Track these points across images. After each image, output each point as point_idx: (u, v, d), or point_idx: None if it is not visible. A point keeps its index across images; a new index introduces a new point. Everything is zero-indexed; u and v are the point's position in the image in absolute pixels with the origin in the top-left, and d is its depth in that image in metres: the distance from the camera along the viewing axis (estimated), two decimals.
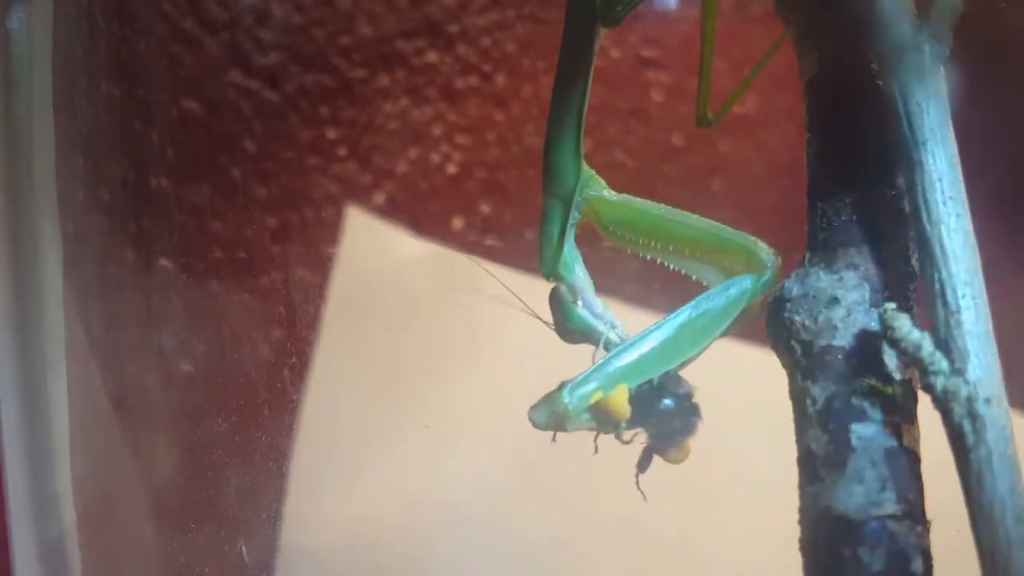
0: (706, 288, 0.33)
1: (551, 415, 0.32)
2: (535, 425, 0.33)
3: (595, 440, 0.33)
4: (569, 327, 0.35)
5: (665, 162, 0.58)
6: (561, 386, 0.32)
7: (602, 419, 0.32)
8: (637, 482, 0.33)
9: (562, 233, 0.35)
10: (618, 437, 0.33)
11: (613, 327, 0.35)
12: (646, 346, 0.32)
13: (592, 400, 0.31)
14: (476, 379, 0.53)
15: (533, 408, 0.32)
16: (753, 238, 0.32)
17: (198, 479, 0.52)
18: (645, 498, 0.33)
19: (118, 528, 0.51)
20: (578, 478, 0.50)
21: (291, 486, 0.53)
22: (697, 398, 0.33)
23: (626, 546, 0.53)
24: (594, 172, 0.35)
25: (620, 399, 0.31)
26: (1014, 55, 0.43)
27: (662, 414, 0.32)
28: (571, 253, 0.35)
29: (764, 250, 0.32)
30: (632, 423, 0.32)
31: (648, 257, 0.35)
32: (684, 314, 0.32)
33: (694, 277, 0.34)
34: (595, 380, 0.31)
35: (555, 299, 0.35)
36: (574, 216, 0.35)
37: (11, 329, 0.45)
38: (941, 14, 0.27)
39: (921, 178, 0.28)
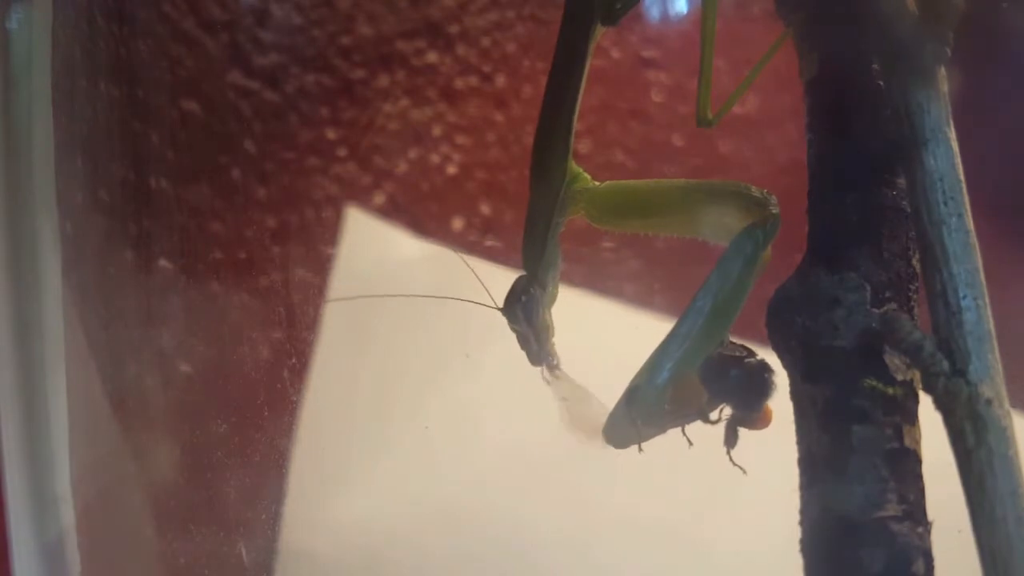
0: (699, 269, 0.33)
1: (631, 428, 0.32)
2: (615, 445, 0.32)
3: (684, 433, 0.33)
4: (506, 318, 0.35)
5: (665, 162, 0.58)
6: (628, 398, 0.31)
7: (683, 410, 0.32)
8: (730, 458, 0.33)
9: (545, 231, 0.35)
10: (706, 420, 0.33)
11: (539, 345, 0.35)
12: (693, 326, 0.32)
13: (667, 396, 0.31)
14: (477, 380, 0.53)
15: (606, 430, 0.32)
16: (744, 184, 0.32)
17: (198, 480, 0.52)
18: (744, 472, 0.33)
19: (118, 529, 0.51)
20: (579, 478, 0.50)
21: (291, 487, 0.53)
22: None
23: (627, 546, 0.53)
24: (580, 170, 0.35)
25: (692, 383, 0.31)
26: (1015, 55, 0.42)
27: (736, 383, 0.32)
28: (551, 254, 0.35)
29: (758, 192, 0.32)
30: (711, 402, 0.32)
31: (650, 234, 0.35)
32: (713, 284, 0.32)
33: (699, 239, 0.34)
34: (661, 376, 0.31)
35: (512, 287, 0.35)
36: (559, 214, 0.35)
37: (11, 329, 0.45)
38: (943, 14, 0.27)
39: (922, 179, 0.28)
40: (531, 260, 0.35)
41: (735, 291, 0.32)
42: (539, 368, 0.35)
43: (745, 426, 0.33)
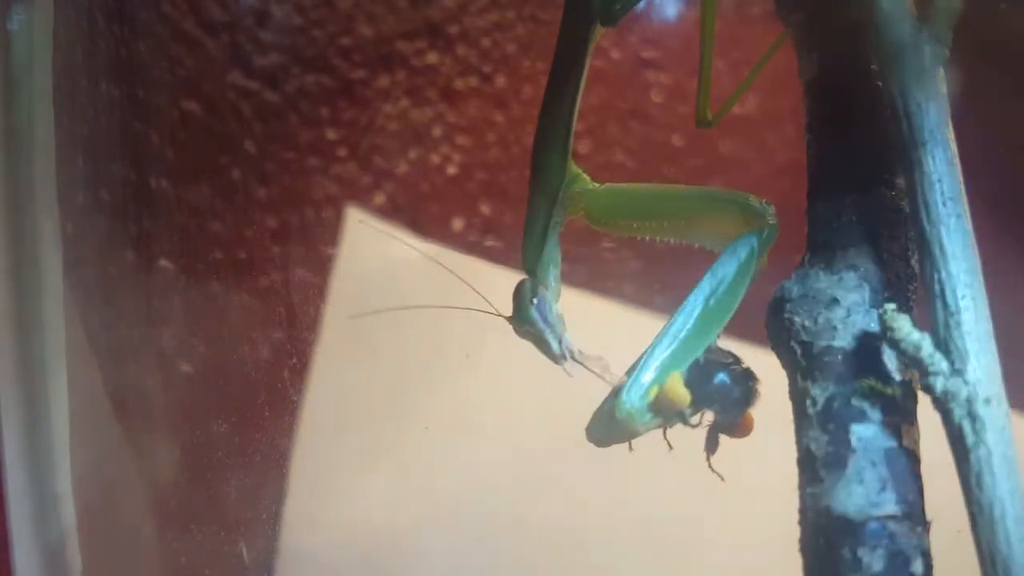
0: (700, 261, 0.33)
1: (613, 426, 0.32)
2: (598, 443, 0.33)
3: (664, 436, 0.33)
4: (519, 322, 0.35)
5: (665, 163, 0.58)
6: (613, 396, 0.32)
7: (666, 411, 0.32)
8: (710, 464, 0.33)
9: (544, 231, 0.35)
10: (686, 424, 0.33)
11: (559, 340, 0.35)
12: (682, 328, 0.32)
13: (651, 396, 0.31)
14: (477, 380, 0.53)
15: (590, 428, 0.32)
16: (743, 193, 0.33)
17: (198, 480, 0.52)
18: (723, 478, 0.33)
19: (118, 529, 0.51)
20: (578, 478, 0.50)
21: (291, 487, 0.53)
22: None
23: (626, 545, 0.53)
24: (580, 171, 0.36)
25: (677, 385, 0.31)
26: (1014, 56, 0.43)
27: (720, 389, 0.32)
28: (551, 253, 0.35)
29: (757, 202, 0.32)
30: (695, 406, 0.32)
31: (648, 238, 0.35)
32: (705, 287, 0.32)
33: (696, 245, 0.34)
34: (647, 375, 0.32)
35: (517, 292, 0.35)
36: (558, 214, 0.35)
37: (11, 329, 0.45)
38: (941, 15, 0.27)
39: (921, 179, 0.28)
40: (531, 260, 0.35)
41: (727, 295, 0.32)
42: (562, 363, 0.35)
43: (726, 433, 0.33)
